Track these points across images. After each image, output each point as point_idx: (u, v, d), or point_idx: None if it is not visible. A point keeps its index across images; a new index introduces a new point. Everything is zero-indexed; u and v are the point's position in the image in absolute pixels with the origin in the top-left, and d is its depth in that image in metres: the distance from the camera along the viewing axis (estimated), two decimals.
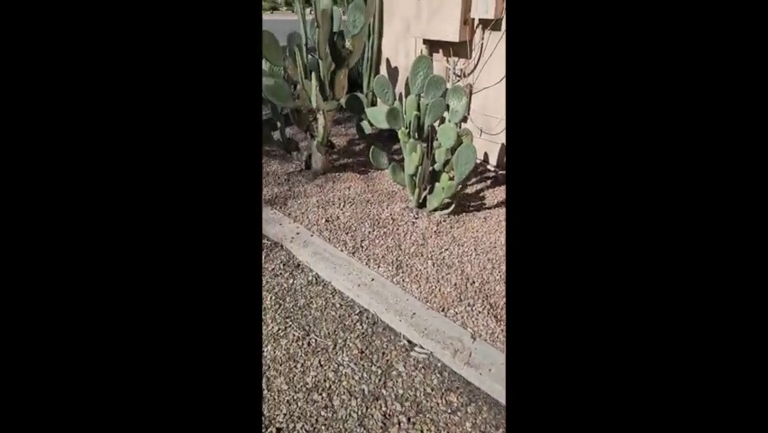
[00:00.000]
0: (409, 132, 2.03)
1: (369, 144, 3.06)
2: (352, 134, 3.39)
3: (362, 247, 1.94)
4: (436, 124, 2.15)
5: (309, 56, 2.44)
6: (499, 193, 2.49)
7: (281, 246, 2.03)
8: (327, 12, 2.10)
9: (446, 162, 2.07)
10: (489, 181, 2.65)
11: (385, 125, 2.20)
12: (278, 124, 2.69)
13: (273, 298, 1.69)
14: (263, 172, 2.73)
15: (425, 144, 2.10)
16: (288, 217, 2.20)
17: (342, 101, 2.41)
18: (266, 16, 15.70)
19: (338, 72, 2.39)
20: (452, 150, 1.98)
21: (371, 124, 2.52)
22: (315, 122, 2.54)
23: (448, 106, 1.99)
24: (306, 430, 1.18)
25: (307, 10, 2.59)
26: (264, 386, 1.30)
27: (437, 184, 2.00)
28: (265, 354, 1.42)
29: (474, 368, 1.32)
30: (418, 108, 2.02)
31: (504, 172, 2.67)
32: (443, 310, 1.55)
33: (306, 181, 2.59)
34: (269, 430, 1.17)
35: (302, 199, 2.38)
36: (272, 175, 2.69)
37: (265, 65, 2.31)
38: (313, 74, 2.22)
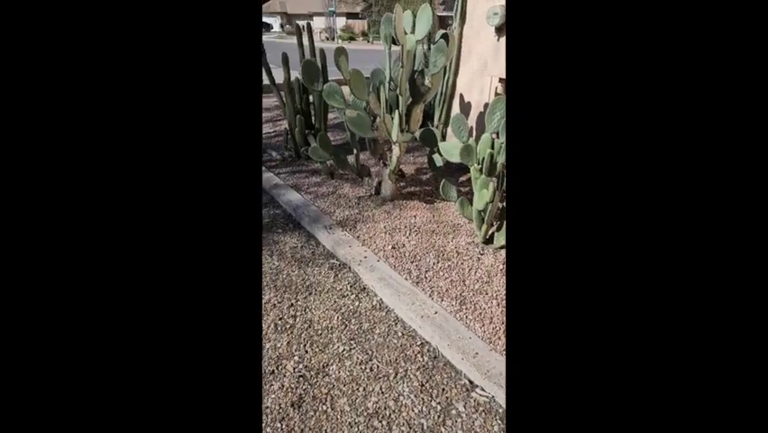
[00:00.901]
0: (482, 168, 2.06)
1: (436, 174, 3.13)
2: (419, 163, 3.49)
3: (426, 278, 1.98)
4: None
5: (389, 90, 2.59)
6: None
7: (349, 268, 2.13)
8: (411, 52, 2.24)
9: None
10: None
11: (457, 159, 2.25)
12: (355, 151, 2.86)
13: (339, 318, 1.78)
14: (336, 194, 2.90)
15: (495, 180, 2.11)
16: (357, 240, 2.31)
17: (417, 134, 2.51)
18: (346, 45, 16.67)
19: (415, 107, 2.51)
20: None
21: (441, 155, 2.59)
22: (389, 151, 2.67)
23: None
24: None
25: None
26: (329, 405, 1.37)
27: (506, 222, 2.00)
28: (331, 372, 1.50)
29: None
30: (492, 146, 2.05)
31: None
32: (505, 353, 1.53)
33: (375, 206, 2.71)
34: None
35: (371, 224, 2.49)
36: (344, 198, 2.84)
37: (350, 97, 2.49)
38: (396, 111, 2.35)
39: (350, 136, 2.85)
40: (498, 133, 2.06)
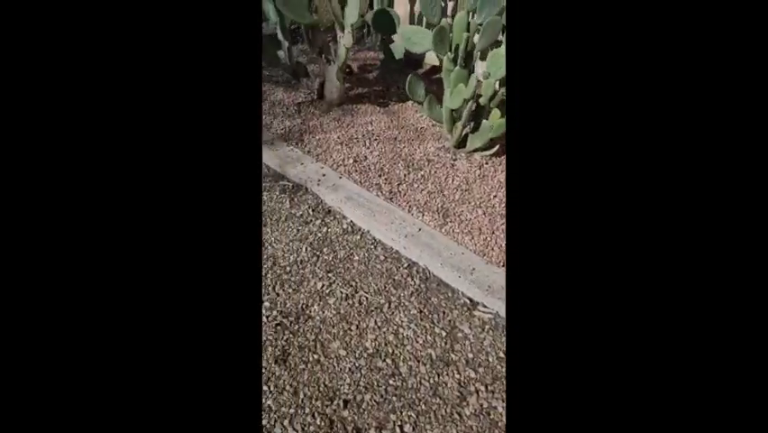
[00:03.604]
0: (456, 58, 1.73)
1: (384, 70, 2.71)
2: (362, 59, 3.00)
3: (400, 192, 1.74)
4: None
5: None
6: None
7: (306, 189, 1.79)
8: None
9: (493, 96, 1.81)
10: None
11: (423, 49, 1.87)
12: (286, 44, 2.29)
13: (309, 249, 1.49)
14: (269, 102, 2.39)
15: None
16: (309, 156, 1.94)
17: (368, 17, 2.03)
18: None
19: None
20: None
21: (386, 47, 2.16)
22: (332, 42, 2.16)
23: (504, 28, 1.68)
24: (375, 402, 1.06)
25: None
26: (320, 352, 1.16)
27: (484, 121, 1.76)
28: (314, 314, 1.26)
29: None
30: (468, 29, 1.70)
31: None
32: (504, 265, 1.42)
33: (320, 114, 2.28)
34: (335, 402, 1.05)
35: (320, 135, 2.09)
36: (279, 105, 2.35)
37: None
38: None
39: (278, 24, 2.24)
40: (474, 12, 1.70)
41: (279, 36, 2.32)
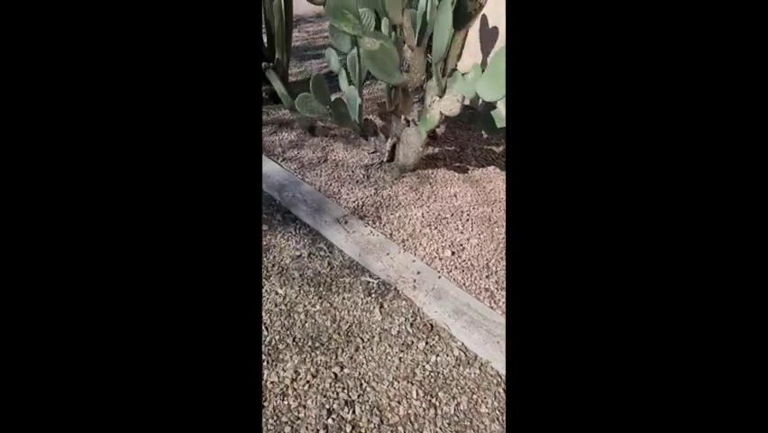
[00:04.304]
0: None
1: (451, 124, 2.40)
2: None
3: None
4: None
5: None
6: None
7: (397, 291, 1.44)
8: None
9: None
10: None
11: None
12: (359, 101, 1.99)
13: (420, 393, 1.13)
14: (330, 162, 2.08)
15: None
16: (393, 242, 1.60)
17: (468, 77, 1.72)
18: None
19: (456, 36, 1.70)
20: None
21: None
22: (418, 103, 1.86)
23: None
24: None
25: None
26: None
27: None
28: None
29: None
30: None
31: None
32: None
33: (392, 180, 1.96)
34: None
35: (400, 211, 1.76)
36: (344, 167, 2.03)
37: (367, 17, 1.58)
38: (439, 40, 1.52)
39: (356, 78, 1.95)
40: None
41: (344, 87, 2.03)
